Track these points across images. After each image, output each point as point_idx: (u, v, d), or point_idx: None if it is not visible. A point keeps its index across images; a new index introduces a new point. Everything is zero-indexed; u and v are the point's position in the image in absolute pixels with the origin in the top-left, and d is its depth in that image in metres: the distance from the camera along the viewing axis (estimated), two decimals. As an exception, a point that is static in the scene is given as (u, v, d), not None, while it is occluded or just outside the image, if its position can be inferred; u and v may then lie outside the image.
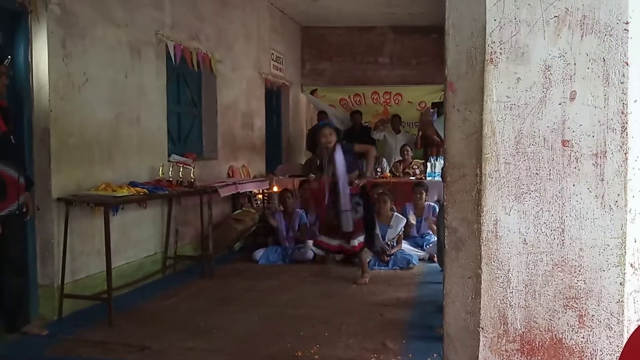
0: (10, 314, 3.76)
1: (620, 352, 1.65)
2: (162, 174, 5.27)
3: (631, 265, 1.71)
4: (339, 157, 5.10)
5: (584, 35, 1.70)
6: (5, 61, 3.63)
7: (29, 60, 4.02)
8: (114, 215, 4.58)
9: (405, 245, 6.21)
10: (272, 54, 8.86)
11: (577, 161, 1.72)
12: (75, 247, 4.29)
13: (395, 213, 6.22)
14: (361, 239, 5.22)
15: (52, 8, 4.07)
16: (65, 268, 4.13)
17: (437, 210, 6.10)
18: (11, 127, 3.65)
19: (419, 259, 6.05)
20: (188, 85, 6.48)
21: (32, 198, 3.89)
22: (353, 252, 5.33)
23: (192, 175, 5.44)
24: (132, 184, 4.73)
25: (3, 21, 3.93)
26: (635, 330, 1.23)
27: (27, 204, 3.77)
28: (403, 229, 6.18)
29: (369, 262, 5.95)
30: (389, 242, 6.05)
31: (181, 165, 5.48)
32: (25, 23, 3.99)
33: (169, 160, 5.55)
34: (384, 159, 8.45)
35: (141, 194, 4.61)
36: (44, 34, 4.03)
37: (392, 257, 5.97)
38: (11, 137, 3.62)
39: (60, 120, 4.16)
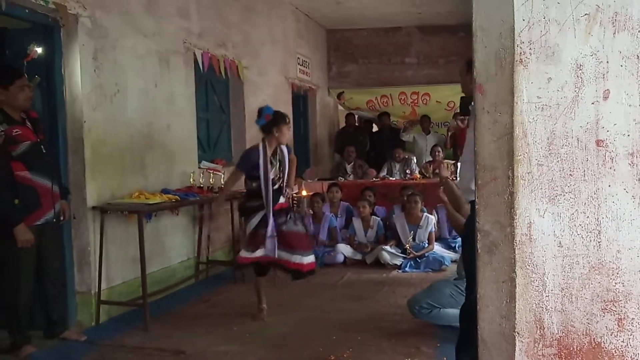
0: (49, 320, 3.86)
1: (662, 357, 1.61)
2: (193, 180, 5.35)
3: (672, 266, 1.66)
4: None
5: (616, 33, 1.66)
6: (34, 80, 3.82)
7: (62, 72, 4.12)
8: (147, 222, 4.65)
9: (436, 247, 6.16)
10: (298, 58, 8.90)
11: (612, 161, 1.68)
12: (110, 254, 4.38)
13: (425, 213, 6.20)
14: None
15: (83, 21, 4.17)
16: (102, 275, 4.22)
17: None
18: (42, 137, 3.73)
19: (451, 261, 5.98)
20: (216, 92, 6.55)
21: (68, 206, 3.98)
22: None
23: (222, 181, 5.49)
24: (165, 191, 4.81)
25: (37, 36, 4.04)
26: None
27: (64, 211, 3.86)
28: (434, 229, 6.17)
29: (401, 264, 5.93)
30: (420, 243, 6.05)
31: (211, 171, 5.54)
32: (58, 37, 4.08)
33: (199, 167, 5.62)
34: (414, 160, 8.41)
35: (173, 200, 4.68)
36: (75, 47, 4.12)
37: (423, 259, 5.93)
38: (42, 147, 3.69)
39: (94, 131, 4.25)
